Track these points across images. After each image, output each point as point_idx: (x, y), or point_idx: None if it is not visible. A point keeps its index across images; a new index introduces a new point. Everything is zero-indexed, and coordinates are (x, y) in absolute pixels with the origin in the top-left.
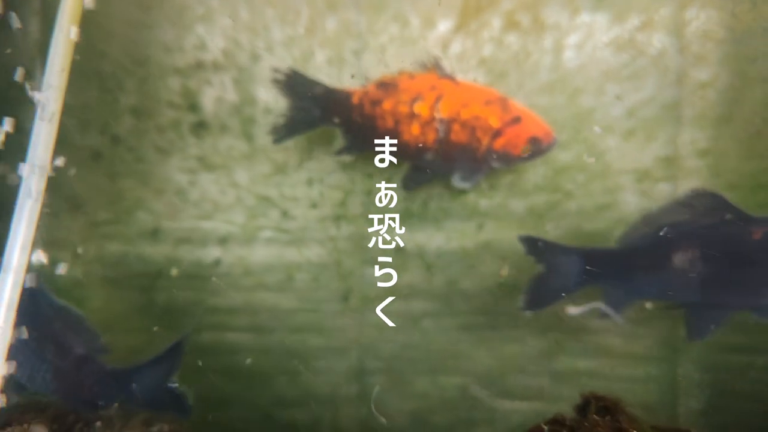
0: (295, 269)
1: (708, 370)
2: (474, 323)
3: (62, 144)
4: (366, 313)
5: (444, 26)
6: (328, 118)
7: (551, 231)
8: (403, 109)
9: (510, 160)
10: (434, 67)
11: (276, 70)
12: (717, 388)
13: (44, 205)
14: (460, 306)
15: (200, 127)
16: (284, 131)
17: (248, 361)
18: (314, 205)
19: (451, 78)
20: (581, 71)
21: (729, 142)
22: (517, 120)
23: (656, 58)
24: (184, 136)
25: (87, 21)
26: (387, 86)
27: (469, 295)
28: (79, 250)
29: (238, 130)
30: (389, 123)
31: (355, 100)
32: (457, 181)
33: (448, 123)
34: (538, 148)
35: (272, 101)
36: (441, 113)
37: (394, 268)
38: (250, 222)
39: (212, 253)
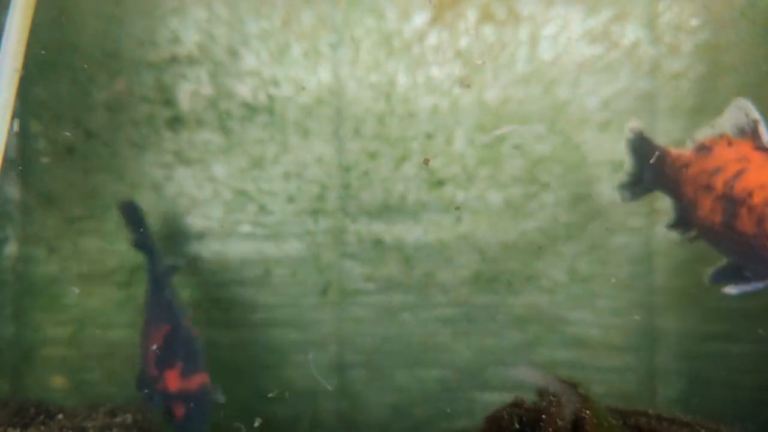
0: (272, 264)
1: (685, 358)
2: (452, 316)
3: (34, 138)
4: (344, 307)
5: (420, 18)
6: (657, 181)
7: (529, 225)
8: (703, 179)
9: None
10: (752, 133)
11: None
12: (694, 376)
13: (17, 202)
14: (439, 299)
15: (176, 122)
16: (628, 193)
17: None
18: (291, 200)
19: (765, 150)
20: (556, 63)
21: (702, 132)
22: None
23: (630, 50)
24: (159, 131)
25: (58, 13)
26: (702, 150)
27: (447, 288)
28: (54, 246)
29: (215, 124)
30: (689, 192)
31: (668, 161)
32: (728, 288)
33: (736, 205)
34: None
35: (249, 96)
36: (733, 191)
37: (371, 262)
38: (227, 217)
39: (189, 248)
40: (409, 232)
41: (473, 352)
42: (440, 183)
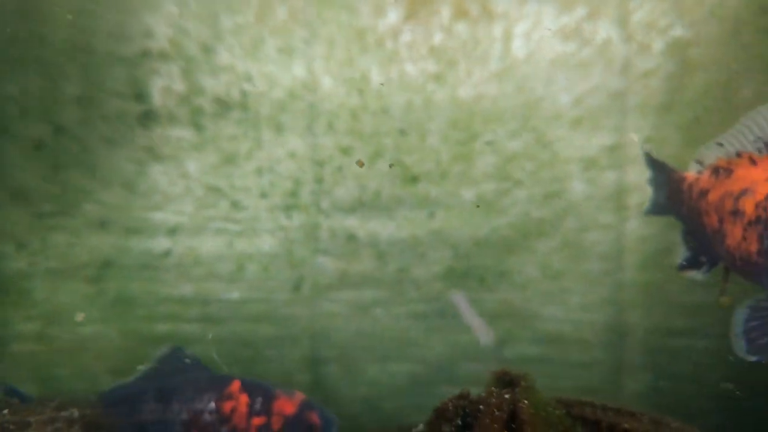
0: (245, 259)
1: (651, 353)
2: (425, 311)
3: (2, 133)
4: (318, 302)
5: (394, 15)
6: (671, 206)
7: (502, 220)
8: (728, 203)
9: None
10: None
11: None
12: (660, 371)
13: None
14: (412, 294)
15: (148, 117)
16: (652, 209)
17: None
18: (264, 195)
19: None
20: (529, 60)
21: (670, 130)
22: None
23: (602, 48)
24: (131, 126)
25: (27, 6)
26: (722, 173)
27: (420, 284)
28: (24, 242)
29: (187, 120)
30: (713, 221)
31: (685, 186)
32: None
33: None
34: None
35: (222, 91)
36: None
37: (345, 257)
38: (199, 212)
39: (162, 243)
40: (382, 228)
41: (445, 347)
42: (414, 179)
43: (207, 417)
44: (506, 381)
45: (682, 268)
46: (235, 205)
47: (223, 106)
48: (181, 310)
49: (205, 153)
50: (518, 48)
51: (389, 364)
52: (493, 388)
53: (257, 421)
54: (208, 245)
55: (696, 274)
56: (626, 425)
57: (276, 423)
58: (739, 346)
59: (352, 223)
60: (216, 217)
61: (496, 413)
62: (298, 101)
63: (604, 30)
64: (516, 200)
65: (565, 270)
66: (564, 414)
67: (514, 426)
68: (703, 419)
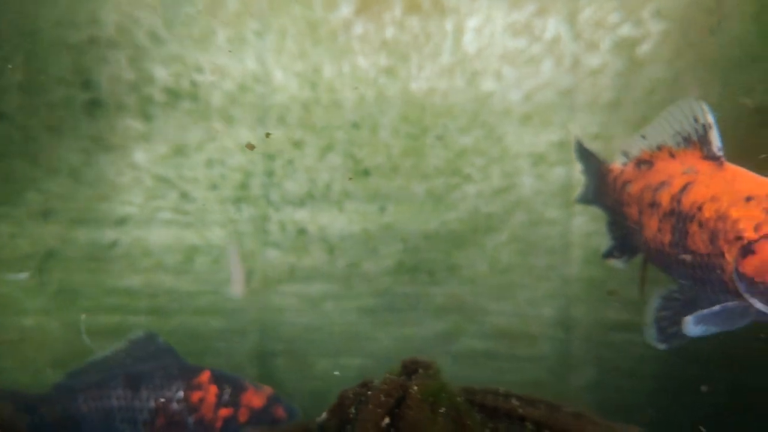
0: (194, 251)
1: (595, 347)
2: (375, 305)
3: None
4: (267, 295)
5: (346, 8)
6: (598, 195)
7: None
8: (647, 195)
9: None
10: (699, 141)
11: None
12: (603, 365)
13: None
14: (362, 288)
15: (94, 106)
16: (582, 198)
17: None
18: (214, 187)
19: (716, 159)
20: (480, 55)
21: (618, 127)
22: None
23: (551, 44)
24: (76, 115)
25: None
26: (643, 165)
27: (370, 278)
28: None
29: (136, 109)
30: (634, 212)
31: (610, 178)
32: (689, 327)
33: (686, 221)
34: None
35: (172, 81)
36: (681, 206)
37: (295, 251)
38: (148, 203)
39: (108, 234)
40: (333, 222)
41: (394, 341)
42: (365, 173)
43: (175, 405)
44: (411, 370)
45: (605, 256)
46: (185, 196)
47: (173, 96)
48: (128, 302)
49: (154, 143)
50: (469, 43)
51: (338, 358)
52: (388, 374)
53: (224, 412)
54: (157, 236)
55: (618, 263)
56: (521, 411)
57: (243, 415)
58: (651, 335)
59: (302, 216)
60: (165, 208)
61: (382, 399)
62: (249, 93)
63: (553, 27)
64: (466, 195)
65: (513, 264)
66: (464, 401)
67: (397, 411)
68: (641, 412)
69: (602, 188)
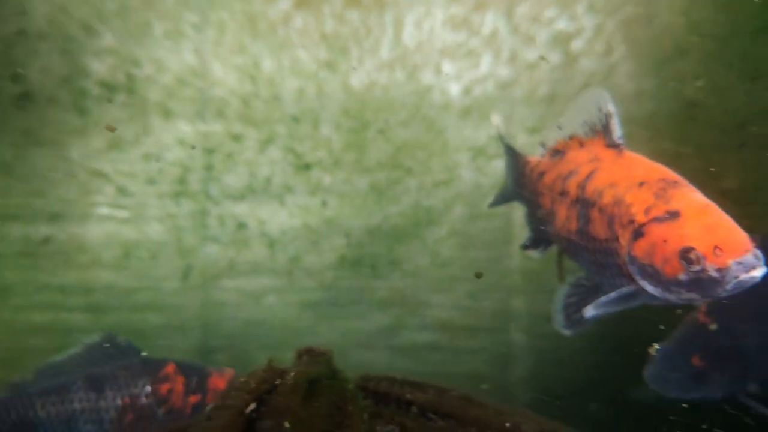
0: (132, 247)
1: (535, 339)
2: (317, 300)
3: None
4: (207, 291)
5: (286, 2)
6: (516, 190)
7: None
8: (558, 185)
9: (661, 282)
10: (603, 130)
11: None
12: (542, 356)
13: None
14: (304, 282)
15: (25, 99)
16: (497, 199)
17: None
18: (152, 182)
19: (616, 147)
20: (420, 49)
21: (555, 120)
22: (673, 215)
23: (490, 38)
24: (6, 108)
25: None
26: (556, 155)
27: (312, 272)
28: None
29: (69, 103)
30: (547, 202)
31: (528, 170)
32: (587, 310)
33: (588, 208)
34: (697, 268)
35: (107, 74)
36: (585, 193)
37: (235, 245)
38: (83, 198)
39: (41, 230)
40: (273, 216)
41: (337, 335)
42: (306, 167)
43: (143, 400)
44: (306, 358)
45: (524, 248)
46: (122, 191)
47: (109, 89)
48: (62, 299)
49: (89, 137)
50: (409, 37)
51: (281, 352)
52: (271, 363)
53: (193, 399)
54: (93, 232)
55: (534, 254)
56: (409, 396)
57: (211, 399)
58: (558, 321)
59: (242, 210)
60: (101, 204)
61: (252, 386)
62: (187, 87)
63: (492, 21)
64: (407, 189)
65: (454, 258)
66: (355, 388)
67: (266, 397)
68: (575, 401)
69: (521, 180)
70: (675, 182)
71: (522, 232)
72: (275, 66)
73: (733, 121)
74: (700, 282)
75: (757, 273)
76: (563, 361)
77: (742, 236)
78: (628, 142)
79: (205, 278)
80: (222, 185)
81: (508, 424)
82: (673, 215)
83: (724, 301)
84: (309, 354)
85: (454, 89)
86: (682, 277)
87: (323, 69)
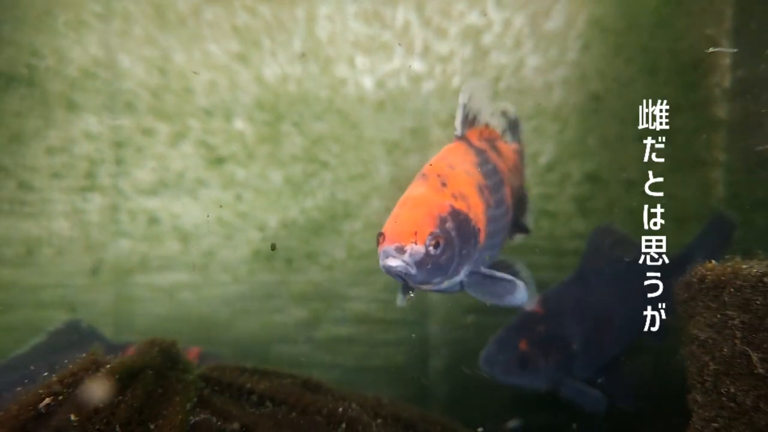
0: (35, 243)
1: (451, 331)
2: (234, 293)
3: None
4: (120, 287)
5: None
6: None
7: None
8: None
9: None
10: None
11: None
12: (459, 347)
13: None
14: (220, 277)
15: None
16: None
17: None
18: (57, 176)
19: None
20: (333, 42)
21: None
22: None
23: (401, 32)
24: None
25: None
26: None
27: (227, 266)
28: None
29: None
30: None
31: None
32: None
33: None
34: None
35: (5, 65)
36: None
37: (147, 240)
38: None
39: None
40: (187, 210)
41: (256, 329)
42: (219, 161)
43: None
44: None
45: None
46: (23, 185)
47: (7, 80)
48: None
49: None
50: (321, 29)
51: (197, 348)
52: (91, 355)
53: None
54: None
55: None
56: (249, 385)
57: None
58: (398, 299)
59: (154, 205)
60: (1, 199)
61: (54, 380)
62: (92, 79)
63: (402, 14)
64: (323, 182)
65: (370, 251)
66: (194, 378)
67: (70, 391)
68: (501, 391)
69: None
70: (423, 174)
71: None
72: (186, 58)
73: (633, 113)
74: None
75: (391, 263)
76: (477, 352)
77: (404, 228)
78: (539, 134)
79: (117, 274)
80: (133, 179)
81: (340, 409)
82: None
83: (556, 292)
84: (151, 345)
85: (368, 82)
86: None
87: (235, 61)
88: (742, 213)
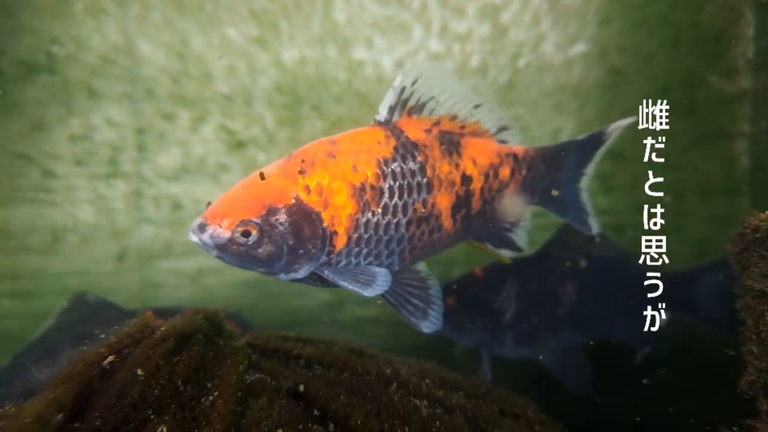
0: (61, 230)
1: None
2: (258, 277)
3: None
4: (144, 273)
5: None
6: None
7: None
8: None
9: None
10: None
11: None
12: None
13: None
14: None
15: None
16: None
17: None
18: (80, 163)
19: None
20: (350, 23)
21: (486, 92)
22: None
23: (419, 12)
24: None
25: None
26: None
27: None
28: None
29: None
30: None
31: None
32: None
33: None
34: None
35: (25, 53)
36: None
37: (171, 226)
38: (6, 182)
39: None
40: (209, 195)
41: (280, 313)
42: (240, 145)
43: None
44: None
45: None
46: (47, 173)
47: (27, 68)
48: None
49: (9, 118)
50: (339, 11)
51: None
52: (142, 320)
53: None
54: (19, 216)
55: None
56: (297, 351)
57: None
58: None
59: (176, 190)
60: (25, 187)
61: (112, 340)
62: (112, 65)
63: None
64: None
65: None
66: (241, 345)
67: (127, 351)
68: (521, 368)
69: None
70: (289, 155)
71: None
72: (204, 43)
73: (655, 86)
74: None
75: (191, 238)
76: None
77: (220, 209)
78: (559, 111)
79: (142, 260)
80: (155, 165)
81: (389, 371)
82: None
83: (503, 265)
84: (195, 313)
85: (387, 63)
86: None
87: (253, 45)
88: (766, 184)
